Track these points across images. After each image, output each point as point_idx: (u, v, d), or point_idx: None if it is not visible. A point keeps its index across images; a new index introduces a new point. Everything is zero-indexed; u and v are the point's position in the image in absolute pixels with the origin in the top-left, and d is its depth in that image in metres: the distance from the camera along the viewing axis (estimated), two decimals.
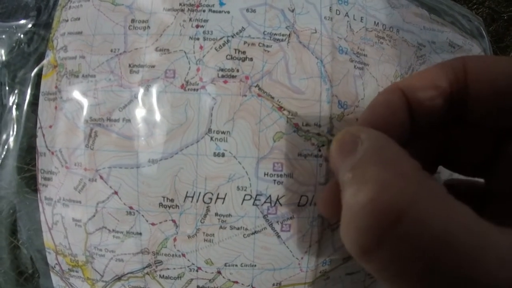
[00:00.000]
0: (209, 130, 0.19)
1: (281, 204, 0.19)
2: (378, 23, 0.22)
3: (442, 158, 0.16)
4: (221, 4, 0.20)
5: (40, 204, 0.21)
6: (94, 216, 0.20)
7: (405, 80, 0.14)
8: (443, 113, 0.14)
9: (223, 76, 0.19)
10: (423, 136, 0.15)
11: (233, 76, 0.19)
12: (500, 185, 0.14)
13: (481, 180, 0.15)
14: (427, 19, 0.24)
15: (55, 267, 0.21)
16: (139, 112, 0.19)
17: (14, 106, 0.22)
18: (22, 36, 0.22)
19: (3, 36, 0.22)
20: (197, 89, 0.19)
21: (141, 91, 0.19)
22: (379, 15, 0.22)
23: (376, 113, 0.14)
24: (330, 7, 0.20)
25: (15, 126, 0.21)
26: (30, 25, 0.22)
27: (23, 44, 0.22)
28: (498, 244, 0.09)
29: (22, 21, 0.22)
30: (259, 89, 0.19)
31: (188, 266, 0.20)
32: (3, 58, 0.22)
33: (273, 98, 0.19)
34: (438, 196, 0.10)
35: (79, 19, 0.21)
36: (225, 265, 0.20)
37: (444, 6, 0.28)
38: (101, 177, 0.19)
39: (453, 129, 0.15)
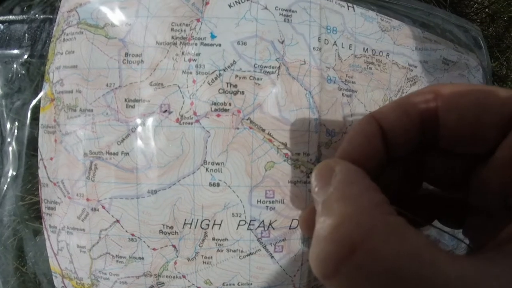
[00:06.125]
0: (204, 162, 0.20)
1: (273, 228, 0.21)
2: (367, 49, 0.22)
3: (423, 176, 0.17)
4: (213, 37, 0.20)
5: (45, 232, 0.22)
6: (97, 243, 0.21)
7: (379, 110, 0.15)
8: (416, 140, 0.14)
9: (216, 110, 0.20)
10: (401, 160, 0.16)
11: (226, 110, 0.20)
12: (474, 201, 0.15)
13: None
14: (419, 39, 0.25)
15: None
16: (137, 146, 0.20)
17: (14, 137, 0.22)
18: (17, 67, 0.22)
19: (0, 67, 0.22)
20: (192, 123, 0.20)
21: (138, 125, 0.20)
22: (369, 40, 0.23)
23: (353, 143, 0.15)
24: (319, 37, 0.21)
25: (17, 156, 0.22)
26: (26, 56, 0.22)
27: (19, 75, 0.22)
28: (446, 274, 0.10)
29: (16, 51, 0.23)
30: (251, 122, 0.20)
31: (188, 287, 0.21)
32: (0, 89, 0.22)
33: (264, 130, 0.20)
34: (394, 229, 0.11)
35: (73, 52, 0.21)
36: (223, 284, 0.21)
37: (439, 19, 0.28)
38: (103, 207, 0.20)
39: (428, 153, 0.16)
